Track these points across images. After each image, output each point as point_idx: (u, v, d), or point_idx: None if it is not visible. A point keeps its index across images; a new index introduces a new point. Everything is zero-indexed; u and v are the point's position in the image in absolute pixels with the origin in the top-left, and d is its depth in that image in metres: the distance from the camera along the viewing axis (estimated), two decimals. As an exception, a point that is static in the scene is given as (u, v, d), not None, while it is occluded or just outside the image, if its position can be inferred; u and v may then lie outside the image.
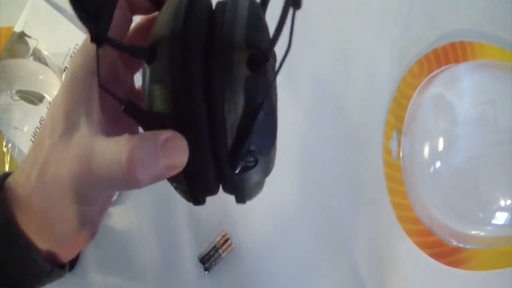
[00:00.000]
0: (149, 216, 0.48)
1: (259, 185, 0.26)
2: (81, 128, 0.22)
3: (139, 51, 0.21)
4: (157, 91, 0.21)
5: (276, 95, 0.23)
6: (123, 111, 0.21)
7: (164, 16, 0.22)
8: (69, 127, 0.22)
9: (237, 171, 0.22)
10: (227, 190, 0.25)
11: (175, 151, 0.21)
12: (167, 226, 0.48)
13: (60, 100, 0.23)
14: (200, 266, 0.46)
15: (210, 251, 0.46)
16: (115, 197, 0.48)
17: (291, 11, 0.18)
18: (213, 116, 0.21)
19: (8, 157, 0.49)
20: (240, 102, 0.21)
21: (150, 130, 0.21)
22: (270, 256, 0.47)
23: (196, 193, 0.24)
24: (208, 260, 0.46)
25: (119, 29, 0.25)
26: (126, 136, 0.21)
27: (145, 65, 0.22)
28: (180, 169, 0.21)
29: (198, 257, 0.46)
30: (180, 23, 0.21)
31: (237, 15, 0.22)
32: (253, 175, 0.24)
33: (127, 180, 0.21)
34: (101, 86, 0.21)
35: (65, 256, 0.25)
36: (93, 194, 0.23)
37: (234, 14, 0.22)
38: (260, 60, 0.21)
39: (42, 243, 0.24)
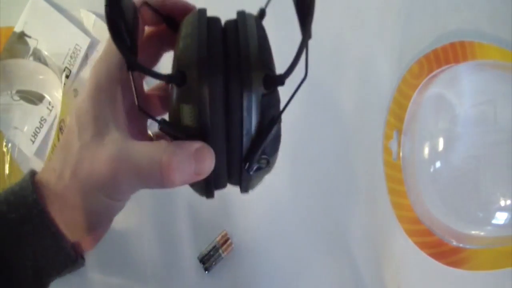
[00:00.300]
0: (149, 216, 0.48)
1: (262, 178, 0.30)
2: (111, 131, 0.25)
3: (171, 78, 0.24)
4: (186, 109, 0.24)
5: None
6: (159, 129, 0.24)
7: (186, 41, 0.25)
8: (99, 131, 0.25)
9: (251, 172, 0.26)
10: (233, 182, 0.28)
11: (205, 159, 0.24)
12: (167, 226, 0.48)
13: (87, 106, 0.26)
14: (200, 266, 0.46)
15: (210, 251, 0.46)
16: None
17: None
18: (233, 129, 0.25)
19: (8, 157, 0.49)
20: (255, 116, 0.24)
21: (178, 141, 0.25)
22: (270, 256, 0.47)
23: (212, 189, 0.27)
24: (208, 260, 0.46)
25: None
26: (164, 142, 0.24)
27: (174, 87, 0.24)
28: (207, 174, 0.25)
29: (198, 257, 0.46)
30: (204, 50, 0.24)
31: (249, 36, 0.25)
32: (261, 173, 0.27)
33: (164, 180, 0.24)
34: (140, 109, 0.24)
35: (86, 248, 0.27)
36: (127, 190, 0.25)
37: (246, 36, 0.25)
38: (274, 80, 0.24)
39: (69, 235, 0.25)
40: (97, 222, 0.26)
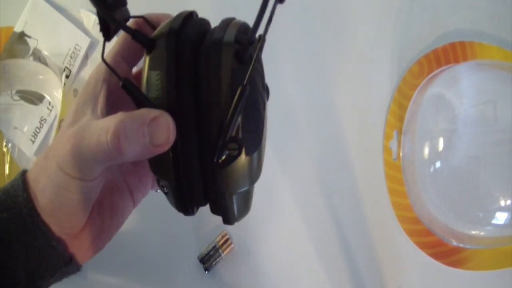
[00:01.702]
0: (149, 216, 0.48)
1: (246, 201, 0.28)
2: (84, 117, 0.25)
3: (141, 36, 0.24)
4: (153, 76, 0.23)
5: (264, 100, 0.25)
6: (121, 87, 0.23)
7: (165, 22, 0.25)
8: (76, 118, 0.25)
9: (220, 160, 0.23)
10: (215, 209, 0.26)
11: (161, 128, 0.22)
12: (167, 226, 0.48)
13: (74, 102, 0.26)
14: (200, 266, 0.46)
15: (210, 251, 0.46)
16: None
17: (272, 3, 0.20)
18: (200, 101, 0.23)
19: (8, 157, 0.49)
20: (225, 88, 0.23)
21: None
22: (270, 256, 0.47)
23: (185, 198, 0.26)
24: (208, 260, 0.46)
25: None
26: (120, 113, 0.23)
27: (145, 55, 0.24)
28: (165, 147, 0.23)
29: (198, 257, 0.46)
30: (178, 23, 0.24)
31: (229, 24, 0.25)
32: (239, 175, 0.24)
33: (111, 150, 0.22)
34: (103, 61, 0.24)
35: (82, 258, 0.27)
36: (84, 166, 0.24)
37: (226, 24, 0.25)
38: (245, 50, 0.23)
39: (56, 230, 0.25)
40: (71, 206, 0.25)
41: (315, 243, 0.47)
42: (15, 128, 0.50)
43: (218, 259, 0.46)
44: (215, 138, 0.23)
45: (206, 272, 0.46)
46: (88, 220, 0.26)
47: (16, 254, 0.24)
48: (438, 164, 0.44)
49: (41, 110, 0.51)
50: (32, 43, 0.51)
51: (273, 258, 0.47)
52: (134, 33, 0.24)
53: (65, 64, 0.51)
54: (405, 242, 0.46)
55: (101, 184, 0.26)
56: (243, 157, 0.24)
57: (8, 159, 0.49)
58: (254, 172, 0.25)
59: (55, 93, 0.50)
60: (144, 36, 0.24)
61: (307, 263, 0.46)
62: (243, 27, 0.25)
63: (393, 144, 0.48)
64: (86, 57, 0.51)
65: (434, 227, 0.45)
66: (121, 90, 0.25)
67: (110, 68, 0.25)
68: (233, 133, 0.23)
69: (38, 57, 0.51)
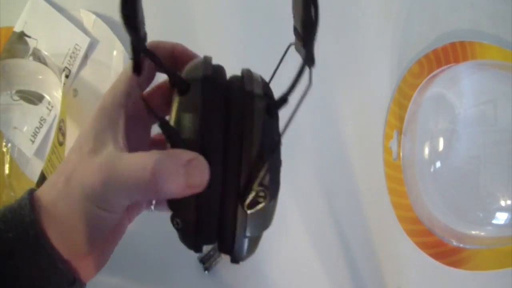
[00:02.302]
0: (149, 216, 0.48)
1: (255, 244, 0.29)
2: (108, 147, 0.25)
3: (178, 78, 0.24)
4: (186, 118, 0.24)
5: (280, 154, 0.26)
6: (159, 126, 0.24)
7: (194, 63, 0.26)
8: (97, 146, 0.25)
9: (247, 202, 0.24)
10: (225, 249, 0.27)
11: (197, 171, 0.23)
12: (167, 226, 0.48)
13: (90, 127, 0.26)
14: (200, 266, 0.46)
15: (210, 251, 0.46)
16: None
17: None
18: (229, 147, 0.24)
19: (8, 157, 0.49)
20: (257, 139, 0.24)
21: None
22: (270, 256, 0.47)
23: (198, 238, 0.27)
24: (208, 260, 0.46)
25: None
26: (153, 151, 0.24)
27: (176, 96, 0.25)
28: (199, 189, 0.24)
29: (198, 257, 0.46)
30: (210, 68, 0.26)
31: (252, 77, 0.27)
32: (258, 220, 0.26)
33: (150, 188, 0.23)
34: (142, 98, 0.25)
35: (85, 276, 0.27)
36: (115, 200, 0.24)
37: (250, 76, 0.27)
38: (276, 106, 0.25)
39: (65, 251, 0.25)
40: (88, 235, 0.25)
41: (315, 243, 0.47)
42: (15, 128, 0.50)
43: (218, 259, 0.46)
44: (247, 183, 0.24)
45: (206, 272, 0.46)
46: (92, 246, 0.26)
47: (20, 275, 0.24)
48: (438, 164, 0.44)
49: (40, 110, 0.50)
50: (32, 43, 0.51)
51: (273, 258, 0.47)
52: (173, 74, 0.24)
53: (65, 64, 0.51)
54: (405, 242, 0.46)
55: (121, 217, 0.26)
56: (266, 204, 0.25)
57: (8, 159, 0.49)
58: (269, 219, 0.27)
59: (54, 93, 0.50)
60: (181, 78, 0.25)
61: (307, 263, 0.46)
62: (265, 81, 0.27)
63: (393, 144, 0.48)
64: (86, 57, 0.51)
65: (434, 227, 0.45)
66: (136, 115, 0.26)
67: (149, 107, 0.25)
68: (263, 181, 0.24)
69: (38, 57, 0.51)
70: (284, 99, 0.25)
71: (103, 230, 0.25)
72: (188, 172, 0.23)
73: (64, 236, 0.24)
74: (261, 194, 0.24)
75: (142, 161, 0.23)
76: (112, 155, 0.24)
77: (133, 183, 0.23)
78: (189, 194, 0.24)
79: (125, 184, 0.23)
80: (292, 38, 0.28)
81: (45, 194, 0.25)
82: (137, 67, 0.25)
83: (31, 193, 0.26)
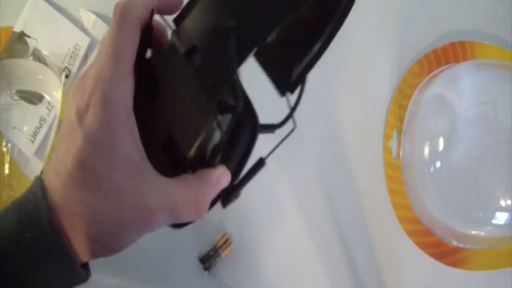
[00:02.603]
0: (149, 216, 0.48)
1: None
2: (141, 171, 0.25)
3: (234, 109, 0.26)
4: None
5: None
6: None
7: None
8: (130, 170, 0.24)
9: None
10: None
11: (223, 183, 0.27)
12: (167, 226, 0.48)
13: (106, 140, 0.24)
14: (200, 266, 0.46)
15: (210, 251, 0.46)
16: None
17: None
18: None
19: (8, 157, 0.49)
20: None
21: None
22: (270, 256, 0.47)
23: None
24: (208, 260, 0.46)
25: None
26: (190, 179, 0.26)
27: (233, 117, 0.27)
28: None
29: (198, 257, 0.46)
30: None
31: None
32: None
33: (199, 215, 0.26)
34: None
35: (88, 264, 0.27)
36: (158, 227, 0.26)
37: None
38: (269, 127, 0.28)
39: (79, 247, 0.25)
40: (107, 250, 0.25)
41: (315, 243, 0.47)
42: (15, 128, 0.50)
43: (218, 259, 0.46)
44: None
45: (206, 272, 0.46)
46: None
47: (38, 276, 0.24)
48: (438, 164, 0.44)
49: (40, 110, 0.50)
50: (31, 43, 0.51)
51: (273, 258, 0.47)
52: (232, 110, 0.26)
53: (65, 64, 0.51)
54: (405, 242, 0.46)
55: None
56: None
57: (8, 159, 0.49)
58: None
59: (54, 93, 0.50)
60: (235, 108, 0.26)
61: (307, 263, 0.46)
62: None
63: (393, 144, 0.48)
64: (86, 57, 0.51)
65: (434, 227, 0.45)
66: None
67: None
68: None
69: (38, 57, 0.51)
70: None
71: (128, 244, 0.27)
72: (218, 186, 0.27)
73: (78, 232, 0.24)
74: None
75: (187, 193, 0.26)
76: (153, 186, 0.25)
77: (182, 214, 0.26)
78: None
79: (173, 215, 0.26)
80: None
81: (54, 186, 0.24)
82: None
83: (43, 191, 0.24)
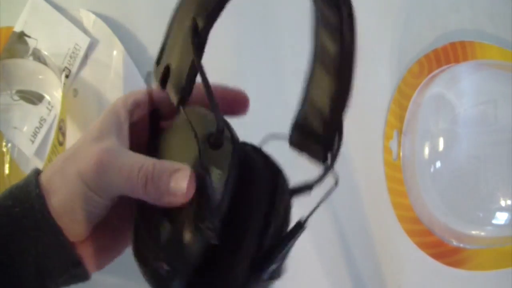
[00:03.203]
0: (149, 216, 0.48)
1: None
2: (111, 138, 0.26)
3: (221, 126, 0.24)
4: (215, 173, 0.24)
5: None
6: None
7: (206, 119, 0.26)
8: (101, 136, 0.26)
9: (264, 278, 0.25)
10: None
11: (179, 180, 0.24)
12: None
13: (97, 123, 0.27)
14: (200, 266, 0.46)
15: (210, 251, 0.46)
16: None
17: None
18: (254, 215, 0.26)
19: (8, 157, 0.49)
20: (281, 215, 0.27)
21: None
22: (270, 256, 0.47)
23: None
24: (208, 260, 0.46)
25: None
26: (151, 158, 0.25)
27: (208, 148, 0.24)
28: (179, 199, 0.24)
29: (198, 257, 0.46)
30: (233, 133, 0.26)
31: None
32: None
33: (138, 186, 0.24)
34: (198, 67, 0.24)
35: (88, 263, 0.27)
36: (106, 187, 0.25)
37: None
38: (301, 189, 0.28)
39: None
40: (81, 215, 0.26)
41: (315, 243, 0.47)
42: (15, 128, 0.50)
43: (218, 259, 0.46)
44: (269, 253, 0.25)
45: (206, 272, 0.46)
46: (91, 235, 0.27)
47: (26, 249, 0.25)
48: (438, 164, 0.44)
49: (40, 110, 0.50)
50: (31, 43, 0.51)
51: (273, 258, 0.47)
52: (220, 119, 0.24)
53: (65, 64, 0.51)
54: (405, 242, 0.46)
55: (109, 207, 0.27)
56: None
57: (8, 159, 0.49)
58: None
59: (54, 93, 0.50)
60: (218, 137, 0.24)
61: (307, 263, 0.46)
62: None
63: (393, 144, 0.48)
64: (86, 57, 0.51)
65: (434, 227, 0.45)
66: (139, 129, 0.28)
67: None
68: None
69: (38, 57, 0.51)
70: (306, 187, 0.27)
71: (91, 211, 0.26)
72: (173, 180, 0.24)
73: (59, 213, 0.25)
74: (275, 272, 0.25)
75: (139, 160, 0.25)
76: (113, 145, 0.26)
77: (125, 177, 0.25)
78: (173, 204, 0.24)
79: (118, 174, 0.25)
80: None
81: (44, 173, 0.27)
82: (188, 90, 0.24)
83: (37, 171, 0.27)
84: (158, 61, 0.26)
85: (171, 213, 0.24)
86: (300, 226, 0.26)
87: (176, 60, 0.25)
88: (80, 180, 0.25)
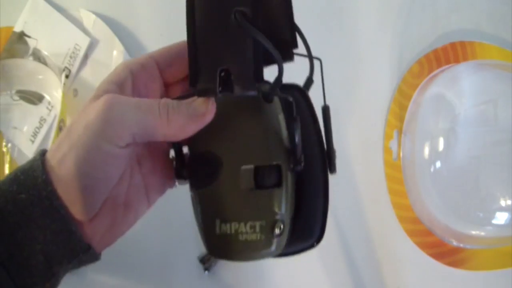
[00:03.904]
0: (149, 216, 0.48)
1: None
2: (114, 92, 0.26)
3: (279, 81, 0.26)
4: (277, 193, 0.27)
5: None
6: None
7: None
8: (100, 94, 0.25)
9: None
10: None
11: (200, 102, 0.25)
12: (167, 226, 0.48)
13: (99, 85, 0.27)
14: (200, 266, 0.46)
15: (210, 251, 0.46)
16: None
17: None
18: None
19: (8, 157, 0.49)
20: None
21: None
22: (270, 256, 0.47)
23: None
24: (208, 260, 0.46)
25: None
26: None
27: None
28: (205, 117, 0.25)
29: (198, 257, 0.46)
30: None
31: None
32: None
33: (160, 120, 0.24)
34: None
35: (97, 241, 0.27)
36: (117, 128, 0.24)
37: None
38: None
39: (75, 213, 0.25)
40: (93, 176, 0.25)
41: (315, 243, 0.47)
42: (15, 128, 0.50)
43: (218, 259, 0.46)
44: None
45: (206, 272, 0.46)
46: (101, 211, 0.26)
47: (34, 237, 0.24)
48: (438, 164, 0.44)
49: (40, 110, 0.50)
50: (31, 43, 0.51)
51: (273, 258, 0.47)
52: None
53: (65, 64, 0.51)
54: (405, 242, 0.46)
55: (122, 165, 0.26)
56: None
57: (8, 159, 0.49)
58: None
59: (54, 93, 0.50)
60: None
61: (307, 263, 0.46)
62: None
63: (393, 144, 0.48)
64: (86, 57, 0.51)
65: (434, 227, 0.45)
66: (144, 88, 0.27)
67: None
68: None
69: (38, 57, 0.51)
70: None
71: (109, 174, 0.25)
72: (194, 105, 0.25)
73: (68, 185, 0.24)
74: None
75: (152, 99, 0.25)
76: (115, 94, 0.25)
77: (144, 110, 0.24)
78: (198, 128, 0.25)
79: (134, 110, 0.24)
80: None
81: (50, 150, 0.25)
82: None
83: (43, 153, 0.26)
84: (193, 83, 0.26)
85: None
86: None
87: (233, 61, 0.25)
88: (88, 132, 0.24)
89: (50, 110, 0.50)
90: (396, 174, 0.47)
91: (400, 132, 0.48)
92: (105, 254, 0.48)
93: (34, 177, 0.24)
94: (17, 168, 0.25)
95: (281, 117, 0.28)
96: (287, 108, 0.28)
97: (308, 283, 0.46)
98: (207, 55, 0.25)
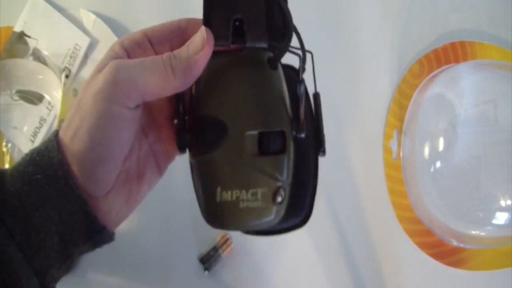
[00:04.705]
0: (149, 216, 0.48)
1: None
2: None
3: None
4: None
5: None
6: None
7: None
8: (102, 68, 0.26)
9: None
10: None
11: (196, 39, 0.25)
12: (167, 226, 0.48)
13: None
14: (200, 266, 0.46)
15: (210, 251, 0.46)
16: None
17: None
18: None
19: (8, 157, 0.49)
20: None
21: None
22: (270, 256, 0.47)
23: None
24: (208, 260, 0.46)
25: None
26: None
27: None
28: (205, 51, 0.25)
29: (198, 257, 0.46)
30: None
31: None
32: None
33: (162, 72, 0.25)
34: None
35: (111, 219, 0.27)
36: (127, 88, 0.24)
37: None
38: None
39: (90, 190, 0.25)
40: (107, 145, 0.25)
41: (315, 243, 0.47)
42: (15, 128, 0.50)
43: (218, 259, 0.46)
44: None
45: (206, 272, 0.46)
46: (116, 185, 0.26)
47: (50, 217, 0.24)
48: (438, 164, 0.44)
49: (40, 110, 0.50)
50: (31, 43, 0.51)
51: (273, 258, 0.47)
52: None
53: (65, 64, 0.51)
54: (405, 242, 0.46)
55: (133, 128, 0.26)
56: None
57: (8, 159, 0.49)
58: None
59: (54, 93, 0.50)
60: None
61: (307, 263, 0.46)
62: None
63: (393, 144, 0.48)
64: (86, 56, 0.51)
65: (434, 227, 0.45)
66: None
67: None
68: None
69: (38, 57, 0.51)
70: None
71: (123, 139, 0.25)
72: (191, 46, 0.25)
73: (82, 160, 0.24)
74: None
75: (154, 57, 0.25)
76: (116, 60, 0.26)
77: (149, 66, 0.25)
78: (201, 65, 0.25)
79: (141, 69, 0.25)
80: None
81: (62, 131, 0.26)
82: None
83: (56, 134, 0.26)
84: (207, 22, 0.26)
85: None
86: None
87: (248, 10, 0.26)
88: (98, 99, 0.24)
89: (50, 110, 0.50)
90: (396, 174, 0.47)
91: (400, 132, 0.48)
92: (105, 254, 0.48)
93: (50, 157, 0.24)
94: (32, 149, 0.26)
95: (284, 85, 0.28)
96: (290, 77, 0.28)
97: (308, 283, 0.46)
98: (221, 3, 0.26)
